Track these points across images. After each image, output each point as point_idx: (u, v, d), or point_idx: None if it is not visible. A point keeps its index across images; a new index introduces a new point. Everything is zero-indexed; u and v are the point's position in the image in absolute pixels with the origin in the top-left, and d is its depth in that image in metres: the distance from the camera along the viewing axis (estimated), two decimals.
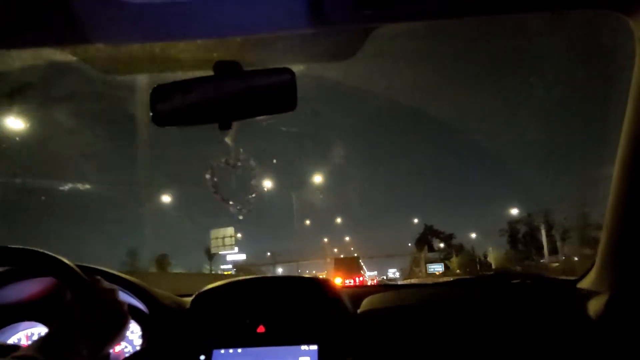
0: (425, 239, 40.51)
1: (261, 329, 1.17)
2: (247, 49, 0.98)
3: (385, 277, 44.75)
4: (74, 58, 0.98)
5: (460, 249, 37.68)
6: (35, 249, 0.96)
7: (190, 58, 1.02)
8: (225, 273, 32.16)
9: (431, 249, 40.53)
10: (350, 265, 29.02)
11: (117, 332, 0.87)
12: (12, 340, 1.20)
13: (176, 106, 0.99)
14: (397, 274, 47.18)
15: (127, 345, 1.20)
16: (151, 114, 0.98)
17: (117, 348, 1.19)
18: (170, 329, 1.14)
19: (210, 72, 0.98)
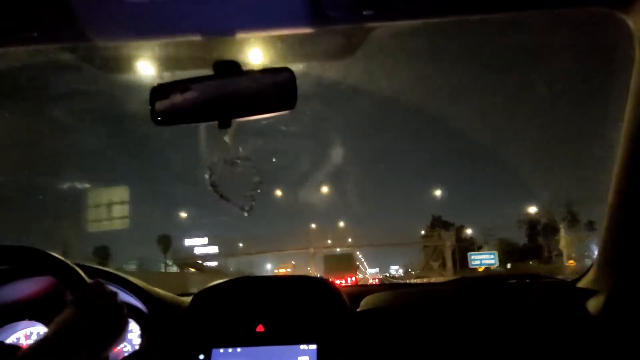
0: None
1: (260, 328, 1.17)
2: (247, 48, 0.98)
3: (387, 274, 38.97)
4: (74, 58, 0.98)
5: (472, 242, 35.86)
6: (36, 248, 0.95)
7: (190, 57, 1.02)
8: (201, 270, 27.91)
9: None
10: (342, 264, 27.42)
11: (116, 335, 0.87)
12: (10, 340, 1.20)
13: (175, 105, 0.99)
14: (401, 271, 39.96)
15: (126, 344, 1.20)
16: (150, 112, 0.98)
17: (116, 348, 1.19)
18: (169, 328, 1.14)
19: (210, 72, 0.98)
